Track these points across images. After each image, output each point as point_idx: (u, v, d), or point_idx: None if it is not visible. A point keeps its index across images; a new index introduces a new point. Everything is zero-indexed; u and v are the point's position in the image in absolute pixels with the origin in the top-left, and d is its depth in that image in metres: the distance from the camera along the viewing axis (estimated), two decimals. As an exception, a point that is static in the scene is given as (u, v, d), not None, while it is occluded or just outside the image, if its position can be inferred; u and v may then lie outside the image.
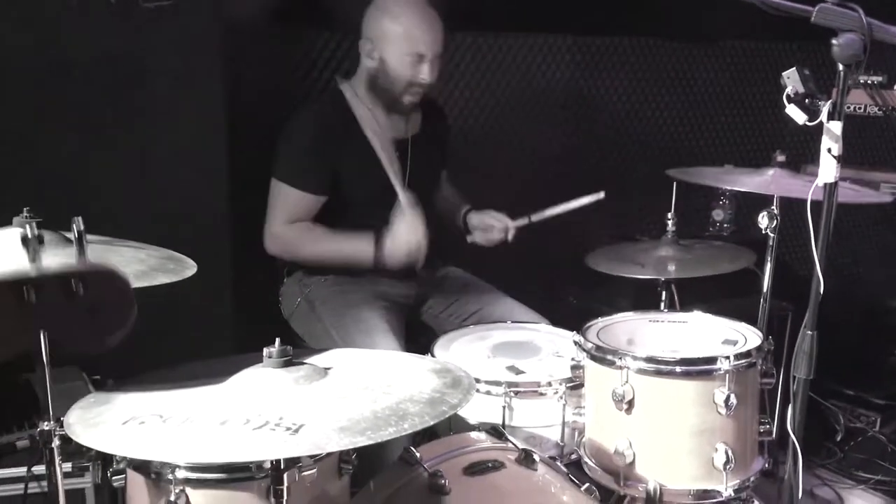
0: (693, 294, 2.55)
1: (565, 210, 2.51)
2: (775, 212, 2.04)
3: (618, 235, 2.94)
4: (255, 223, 2.45)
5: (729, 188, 2.26)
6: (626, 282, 2.61)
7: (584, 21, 3.23)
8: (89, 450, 1.89)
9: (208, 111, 2.42)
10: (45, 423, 1.64)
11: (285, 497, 1.49)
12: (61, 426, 1.64)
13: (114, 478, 1.71)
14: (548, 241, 3.05)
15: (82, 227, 0.95)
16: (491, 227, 2.60)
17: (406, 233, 2.34)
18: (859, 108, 3.02)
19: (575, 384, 2.01)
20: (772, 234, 2.06)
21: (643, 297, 2.53)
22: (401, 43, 2.37)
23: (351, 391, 1.43)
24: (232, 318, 2.62)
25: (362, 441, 1.21)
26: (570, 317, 2.37)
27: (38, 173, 2.24)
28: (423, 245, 2.36)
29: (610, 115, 3.45)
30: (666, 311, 2.19)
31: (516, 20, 3.04)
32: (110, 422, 1.37)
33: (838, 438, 3.25)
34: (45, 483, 1.86)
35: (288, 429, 1.26)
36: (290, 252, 2.47)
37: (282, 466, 1.48)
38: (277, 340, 1.49)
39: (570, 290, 3.14)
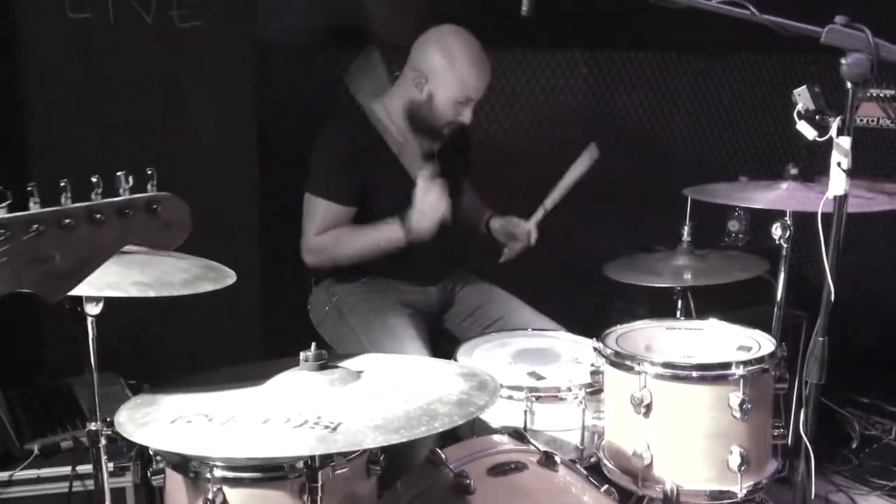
0: (709, 302, 2.60)
1: (571, 181, 2.57)
2: (788, 223, 2.11)
3: (635, 246, 3.00)
4: (283, 235, 2.53)
5: (744, 206, 2.31)
6: (642, 291, 2.68)
7: (601, 36, 3.31)
8: (130, 450, 2.00)
9: (240, 126, 2.52)
10: (93, 423, 1.74)
11: (319, 495, 1.57)
12: (108, 426, 1.75)
13: (153, 477, 1.80)
14: (567, 253, 3.14)
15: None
16: (513, 234, 2.67)
17: (428, 201, 2.38)
18: (872, 121, 3.07)
19: (594, 389, 2.08)
20: (785, 244, 2.12)
21: (659, 306, 2.60)
22: (454, 86, 2.44)
23: (383, 393, 1.51)
24: (262, 327, 2.70)
25: (397, 438, 1.29)
26: (589, 325, 2.45)
27: (74, 187, 2.33)
28: (447, 211, 2.40)
29: (627, 128, 3.52)
30: (682, 318, 2.25)
31: (534, 37, 3.12)
32: (159, 421, 1.45)
33: (854, 446, 3.29)
34: (87, 482, 1.96)
35: (326, 427, 1.34)
36: (329, 259, 2.52)
37: (316, 465, 1.57)
38: (313, 345, 1.58)
39: (588, 300, 3.21)
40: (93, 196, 1.02)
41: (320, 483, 1.57)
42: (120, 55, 2.31)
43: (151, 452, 1.77)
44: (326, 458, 1.60)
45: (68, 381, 2.32)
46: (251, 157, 2.54)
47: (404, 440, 1.29)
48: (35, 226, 0.94)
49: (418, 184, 2.39)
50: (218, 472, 1.67)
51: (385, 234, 2.45)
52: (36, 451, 1.96)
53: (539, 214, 2.64)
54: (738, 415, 1.84)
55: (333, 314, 2.55)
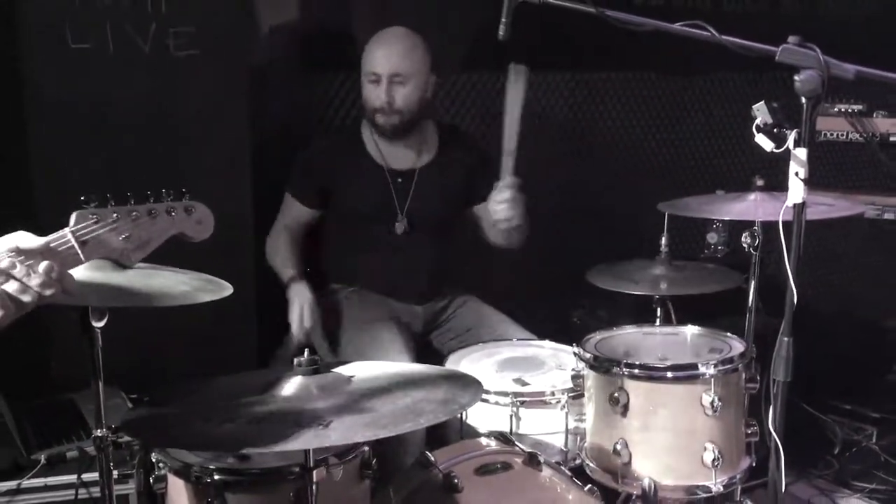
0: (689, 311, 2.72)
1: (516, 112, 2.36)
2: (757, 231, 2.21)
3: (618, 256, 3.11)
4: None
5: (715, 218, 2.42)
6: (625, 302, 2.78)
7: (581, 59, 3.43)
8: (133, 458, 2.09)
9: (235, 147, 2.61)
10: (99, 430, 1.83)
11: (314, 496, 1.65)
12: (113, 433, 1.84)
13: (156, 484, 1.89)
14: (552, 265, 3.24)
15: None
16: (500, 203, 2.47)
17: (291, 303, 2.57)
18: (841, 135, 3.20)
19: (577, 393, 2.18)
20: (755, 252, 2.23)
21: (642, 315, 2.70)
22: (363, 66, 2.59)
23: (372, 394, 1.60)
24: (255, 339, 2.79)
25: (384, 433, 1.39)
26: (573, 335, 2.55)
27: (73, 202, 2.43)
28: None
29: (608, 144, 3.64)
30: (659, 325, 2.35)
31: (517, 59, 3.24)
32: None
33: (836, 451, 3.39)
34: (92, 489, 2.04)
35: (320, 425, 1.44)
36: (267, 248, 2.71)
37: (311, 465, 1.66)
38: (307, 351, 1.67)
39: (573, 310, 3.31)
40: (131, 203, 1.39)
41: (315, 483, 1.65)
42: (119, 82, 2.40)
43: (154, 459, 1.86)
44: (321, 459, 1.70)
45: (71, 396, 2.41)
46: (245, 176, 2.63)
47: (392, 434, 1.39)
48: (115, 215, 1.36)
49: (293, 286, 2.59)
50: (218, 477, 1.77)
51: (280, 270, 2.66)
52: (42, 461, 2.04)
53: (508, 162, 2.41)
54: (710, 412, 1.94)
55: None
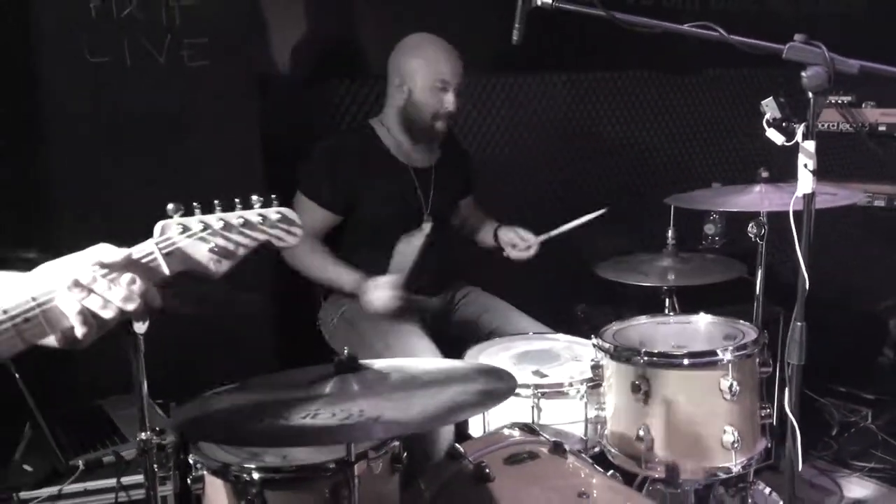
0: (693, 302, 2.80)
1: (577, 224, 2.73)
2: (763, 221, 2.30)
3: (622, 250, 3.19)
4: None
5: (721, 209, 2.50)
6: (630, 294, 2.86)
7: (577, 58, 3.52)
8: (167, 460, 2.14)
9: (245, 153, 2.67)
10: (144, 433, 1.88)
11: (356, 490, 1.71)
12: (158, 435, 1.89)
13: (193, 485, 1.94)
14: (559, 259, 3.32)
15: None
16: (517, 244, 2.84)
17: (376, 301, 2.56)
18: (833, 126, 3.30)
19: (595, 383, 2.25)
20: (761, 242, 2.32)
21: (647, 307, 2.78)
22: (426, 73, 2.63)
23: (413, 389, 1.67)
24: (274, 344, 2.84)
25: (438, 424, 1.46)
26: (580, 327, 2.63)
27: (94, 210, 2.48)
28: (394, 310, 2.56)
29: (606, 142, 3.73)
30: (672, 314, 2.43)
31: (514, 61, 3.32)
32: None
33: (833, 433, 3.49)
34: (132, 492, 2.10)
35: (369, 418, 1.50)
36: (293, 264, 2.66)
37: (353, 459, 1.72)
38: (346, 350, 1.73)
39: (579, 303, 3.40)
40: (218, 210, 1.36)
41: (357, 477, 1.71)
42: (136, 93, 2.46)
43: (191, 461, 1.92)
44: (361, 454, 1.76)
45: (99, 403, 2.46)
46: (257, 181, 2.68)
47: (445, 425, 1.45)
48: (202, 224, 1.32)
49: (369, 284, 2.57)
50: (258, 475, 1.82)
51: (340, 280, 2.64)
52: (81, 466, 2.09)
53: (544, 236, 2.81)
54: (728, 397, 2.02)
55: (343, 325, 2.71)
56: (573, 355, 2.48)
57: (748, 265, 2.59)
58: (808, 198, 1.86)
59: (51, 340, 1.19)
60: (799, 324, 1.91)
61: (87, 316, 1.18)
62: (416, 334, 2.54)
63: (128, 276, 1.21)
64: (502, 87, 3.51)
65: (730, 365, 2.02)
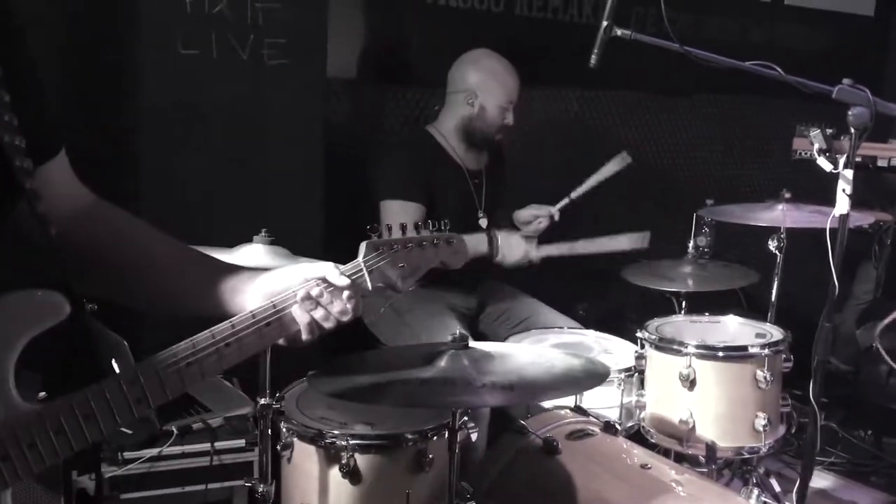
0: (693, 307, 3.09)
1: (598, 180, 2.93)
2: (782, 236, 2.63)
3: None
4: (342, 244, 2.85)
5: (741, 222, 2.80)
6: (631, 294, 3.13)
7: (589, 78, 3.79)
8: (255, 427, 2.30)
9: (310, 148, 2.84)
10: (264, 398, 2.06)
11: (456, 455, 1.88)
12: (277, 402, 2.07)
13: (283, 451, 2.11)
14: (571, 264, 3.59)
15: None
16: (536, 216, 2.99)
17: (513, 253, 2.83)
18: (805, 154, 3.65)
19: (632, 373, 2.53)
20: (779, 254, 2.65)
21: (650, 308, 3.06)
22: (499, 94, 2.90)
23: (522, 365, 1.87)
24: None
25: (569, 393, 1.68)
26: (587, 323, 2.91)
27: (174, 198, 2.62)
28: (526, 257, 2.83)
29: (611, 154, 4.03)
30: (706, 314, 2.72)
31: (541, 75, 3.58)
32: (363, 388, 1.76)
33: (793, 430, 3.87)
34: (223, 456, 2.26)
35: (504, 387, 1.71)
36: None
37: (456, 426, 1.91)
38: (458, 329, 1.94)
39: (580, 303, 3.68)
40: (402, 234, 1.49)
41: (458, 444, 1.90)
42: (219, 85, 2.61)
43: (284, 427, 2.09)
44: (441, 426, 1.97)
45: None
46: (319, 174, 2.86)
47: (573, 395, 1.68)
48: (396, 246, 1.47)
49: (502, 236, 2.82)
50: (353, 441, 2.00)
51: (478, 247, 2.82)
52: (175, 432, 2.25)
53: (563, 202, 2.98)
54: (762, 386, 2.33)
55: (390, 314, 2.91)
56: (603, 348, 2.75)
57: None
58: (843, 218, 2.18)
59: (280, 341, 1.34)
60: (826, 324, 2.22)
61: (314, 326, 1.32)
62: (457, 327, 2.76)
63: (348, 292, 1.34)
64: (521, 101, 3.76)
65: (766, 359, 2.33)
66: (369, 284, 1.41)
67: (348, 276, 1.35)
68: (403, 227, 1.48)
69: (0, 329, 1.09)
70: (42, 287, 1.11)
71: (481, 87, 2.91)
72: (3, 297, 1.09)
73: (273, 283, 1.33)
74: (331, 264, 1.37)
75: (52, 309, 1.11)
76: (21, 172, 1.08)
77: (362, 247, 1.42)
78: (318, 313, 1.31)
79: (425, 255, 1.49)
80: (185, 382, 1.20)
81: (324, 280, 1.33)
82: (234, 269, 1.36)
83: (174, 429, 2.25)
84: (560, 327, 2.90)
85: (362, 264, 1.41)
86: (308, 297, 1.31)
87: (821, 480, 3.48)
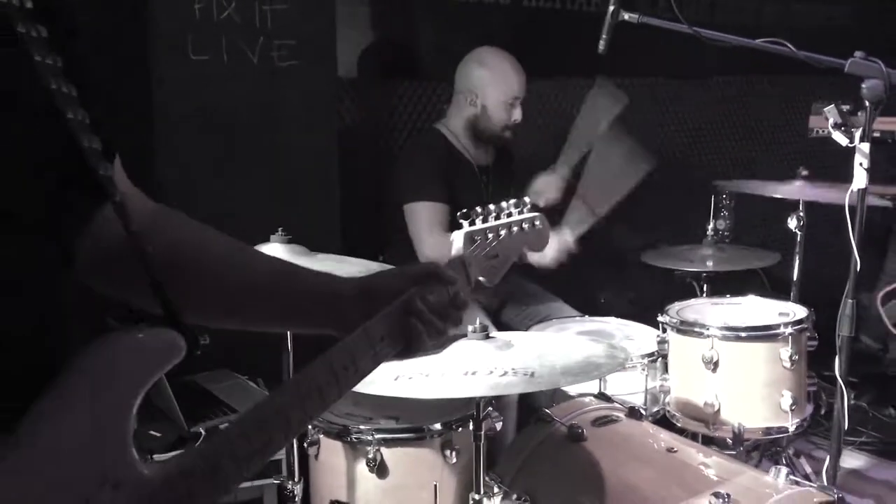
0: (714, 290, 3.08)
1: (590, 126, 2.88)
2: (801, 214, 2.61)
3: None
4: (358, 242, 2.88)
5: (760, 193, 2.78)
6: (653, 281, 3.13)
7: (605, 65, 3.78)
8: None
9: (324, 146, 2.85)
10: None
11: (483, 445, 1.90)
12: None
13: (309, 447, 2.13)
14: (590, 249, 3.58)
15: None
16: (543, 190, 2.95)
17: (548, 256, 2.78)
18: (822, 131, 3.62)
19: (654, 358, 2.52)
20: (799, 232, 2.63)
21: (672, 295, 3.05)
22: (500, 91, 2.89)
23: (541, 353, 1.89)
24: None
25: (587, 379, 1.68)
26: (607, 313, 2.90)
27: (189, 205, 2.63)
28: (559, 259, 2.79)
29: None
30: (727, 296, 2.71)
31: (551, 66, 3.57)
32: (383, 381, 1.79)
33: (822, 412, 3.84)
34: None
35: (525, 374, 1.72)
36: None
37: (481, 416, 1.92)
38: (478, 320, 1.95)
39: (602, 291, 3.67)
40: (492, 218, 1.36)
41: (483, 433, 1.91)
42: (231, 89, 2.62)
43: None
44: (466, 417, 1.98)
45: (192, 378, 2.62)
46: (334, 171, 2.87)
47: (591, 380, 1.68)
48: (490, 234, 1.33)
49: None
50: (378, 435, 2.02)
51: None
52: (203, 433, 2.26)
53: (574, 157, 2.94)
54: (787, 365, 2.32)
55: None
56: (625, 335, 2.74)
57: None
58: (862, 192, 2.16)
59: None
60: (850, 300, 2.21)
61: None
62: (478, 317, 2.76)
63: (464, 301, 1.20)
64: (532, 91, 3.75)
65: (790, 337, 2.31)
66: (472, 278, 1.24)
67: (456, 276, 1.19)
68: (494, 212, 1.33)
69: (121, 378, 0.84)
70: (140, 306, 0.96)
71: (481, 86, 2.90)
72: (116, 336, 0.85)
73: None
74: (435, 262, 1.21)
75: (168, 348, 0.87)
76: (104, 180, 0.92)
77: (457, 237, 1.28)
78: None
79: (513, 242, 1.34)
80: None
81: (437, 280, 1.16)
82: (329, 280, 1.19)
83: (202, 430, 2.27)
84: (581, 316, 2.89)
85: (463, 258, 1.24)
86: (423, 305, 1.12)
87: (852, 460, 3.45)
